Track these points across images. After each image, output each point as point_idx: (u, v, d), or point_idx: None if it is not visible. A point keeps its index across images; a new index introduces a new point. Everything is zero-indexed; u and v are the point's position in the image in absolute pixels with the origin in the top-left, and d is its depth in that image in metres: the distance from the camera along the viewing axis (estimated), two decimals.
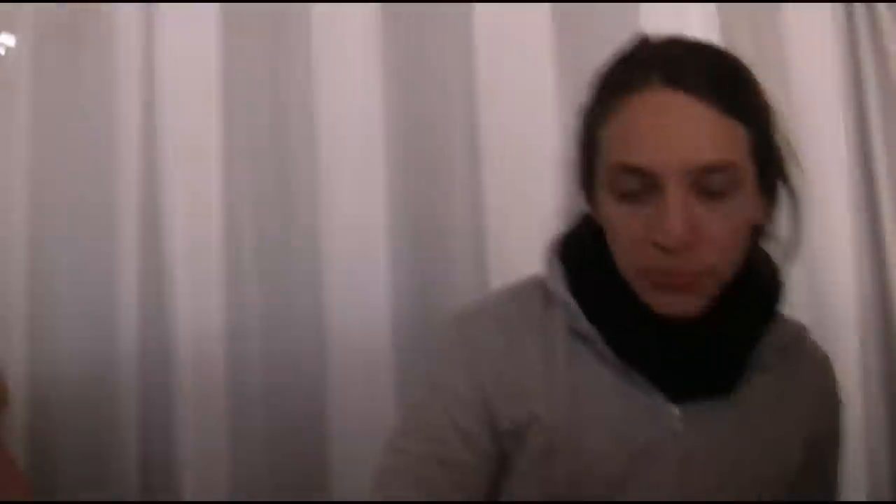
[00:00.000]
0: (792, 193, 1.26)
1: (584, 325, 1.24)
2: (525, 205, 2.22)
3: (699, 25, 2.30)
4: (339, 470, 2.14)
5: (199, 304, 2.13)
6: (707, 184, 1.13)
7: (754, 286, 1.26)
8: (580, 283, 1.27)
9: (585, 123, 1.26)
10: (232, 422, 2.13)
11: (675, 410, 1.24)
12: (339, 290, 2.17)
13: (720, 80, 1.15)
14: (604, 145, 1.19)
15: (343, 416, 2.15)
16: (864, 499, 2.19)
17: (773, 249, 1.30)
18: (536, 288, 1.31)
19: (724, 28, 2.32)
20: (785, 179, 1.25)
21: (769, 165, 1.21)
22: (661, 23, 2.25)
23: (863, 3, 2.38)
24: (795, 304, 1.39)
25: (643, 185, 1.14)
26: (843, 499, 1.49)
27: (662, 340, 1.21)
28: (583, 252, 1.29)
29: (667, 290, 1.17)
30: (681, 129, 1.13)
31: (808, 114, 2.29)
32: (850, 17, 2.39)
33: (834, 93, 2.34)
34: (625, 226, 1.17)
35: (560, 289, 1.27)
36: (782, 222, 1.28)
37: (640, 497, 1.23)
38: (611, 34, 2.20)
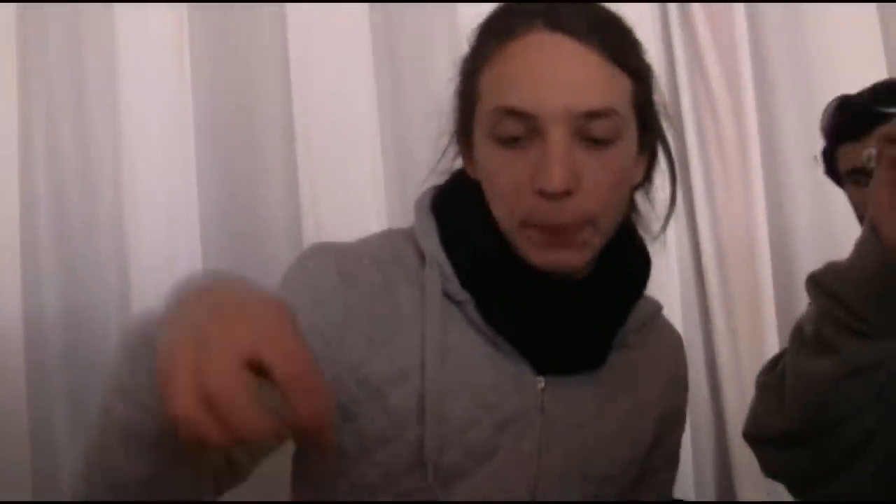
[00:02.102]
0: (668, 155, 1.26)
1: (457, 288, 1.20)
2: (341, 181, 2.20)
3: None
4: None
5: None
6: (589, 130, 1.11)
7: (626, 262, 1.26)
8: (454, 243, 1.22)
9: (464, 72, 1.23)
10: (33, 422, 2.04)
11: (541, 382, 1.23)
12: (146, 273, 2.10)
13: (603, 27, 1.14)
14: (484, 91, 1.16)
15: None
16: None
17: (647, 213, 1.30)
18: (407, 241, 1.25)
19: None
20: (663, 140, 1.25)
21: (649, 123, 1.21)
22: (473, 22, 2.25)
23: (676, 3, 2.43)
24: None
25: (525, 130, 1.11)
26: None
27: (535, 311, 1.19)
28: (457, 210, 1.24)
29: (549, 244, 1.14)
30: (565, 73, 1.11)
31: None
32: (664, 15, 2.44)
33: (644, 13, 2.38)
34: (505, 173, 1.14)
35: (434, 248, 1.22)
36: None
37: (499, 468, 1.20)
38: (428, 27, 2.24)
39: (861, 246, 1.23)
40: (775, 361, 1.40)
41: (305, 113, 2.19)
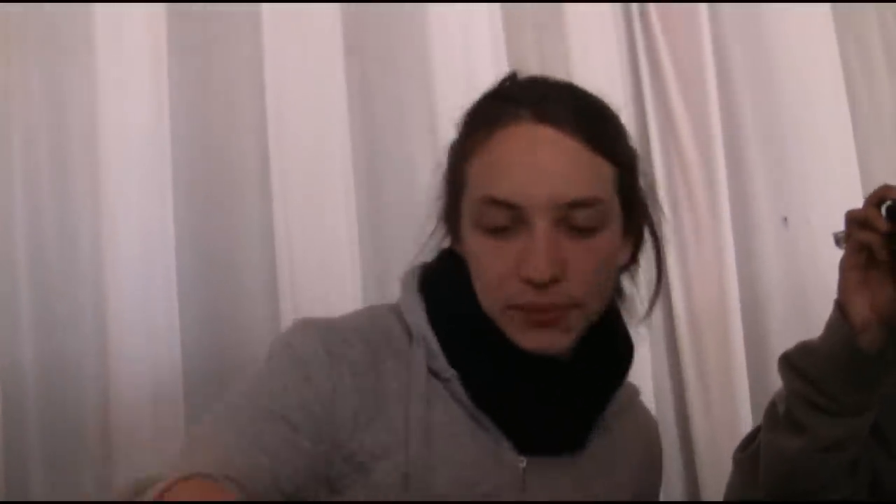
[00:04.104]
0: (655, 238, 1.29)
1: (443, 365, 1.21)
2: (316, 235, 2.20)
3: (485, 25, 2.35)
4: None
5: None
6: (574, 219, 1.13)
7: (610, 346, 1.28)
8: (441, 320, 1.23)
9: (452, 158, 1.25)
10: (5, 463, 2.01)
11: (522, 462, 1.23)
12: (124, 324, 2.08)
13: (587, 116, 1.17)
14: (470, 179, 1.18)
15: (129, 455, 2.05)
16: None
17: (633, 295, 1.32)
18: (393, 317, 1.26)
19: (509, 28, 2.38)
20: (650, 223, 1.28)
21: (634, 208, 1.23)
22: (447, 22, 2.32)
23: (637, 3, 2.49)
24: None
25: (511, 220, 1.13)
26: None
27: (521, 390, 1.20)
28: (445, 288, 1.26)
29: (535, 325, 1.16)
30: (548, 163, 1.13)
31: None
32: (627, 16, 2.50)
33: (615, 92, 2.41)
34: (492, 260, 1.16)
35: (421, 324, 1.23)
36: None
37: None
38: (399, 36, 2.30)
39: (830, 326, 1.29)
40: (751, 438, 1.44)
41: (282, 170, 2.20)
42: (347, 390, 1.16)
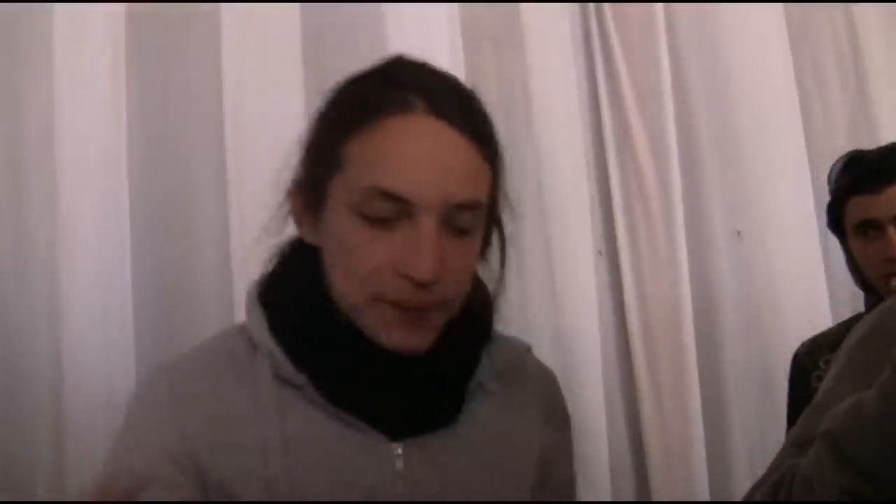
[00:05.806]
0: (501, 233, 1.27)
1: (290, 371, 1.18)
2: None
3: (444, 38, 2.37)
4: None
5: None
6: (456, 219, 1.12)
7: (467, 315, 1.24)
8: (284, 326, 1.20)
9: (323, 134, 1.19)
10: None
11: (397, 448, 1.20)
12: (78, 334, 2.08)
13: (476, 116, 1.16)
14: (350, 163, 1.13)
15: (82, 464, 2.04)
16: None
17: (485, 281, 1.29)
18: (242, 336, 1.23)
19: (467, 41, 2.40)
20: (498, 221, 1.26)
21: (494, 206, 1.22)
22: (406, 34, 2.33)
23: (593, 4, 2.52)
24: (543, 346, 1.38)
25: (394, 212, 1.10)
26: None
27: (373, 379, 1.18)
28: (285, 293, 1.23)
29: (401, 323, 1.14)
30: (444, 161, 1.11)
31: (545, 115, 2.40)
32: (584, 18, 2.53)
33: (572, 107, 2.46)
34: (368, 250, 1.12)
35: (262, 335, 1.20)
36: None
37: None
38: (358, 48, 2.30)
39: (887, 396, 1.04)
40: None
41: (239, 180, 2.21)
42: (195, 427, 1.16)
